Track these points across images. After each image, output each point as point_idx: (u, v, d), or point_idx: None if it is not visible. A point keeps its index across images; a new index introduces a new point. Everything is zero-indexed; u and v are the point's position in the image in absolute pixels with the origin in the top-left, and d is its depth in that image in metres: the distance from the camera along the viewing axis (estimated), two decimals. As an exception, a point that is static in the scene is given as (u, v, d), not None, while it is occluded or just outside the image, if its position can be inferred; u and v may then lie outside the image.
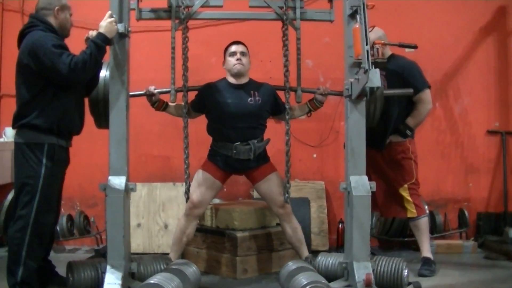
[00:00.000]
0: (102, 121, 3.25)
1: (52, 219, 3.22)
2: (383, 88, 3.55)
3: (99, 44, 2.96)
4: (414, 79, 3.76)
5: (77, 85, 3.18)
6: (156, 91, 3.49)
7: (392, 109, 3.79)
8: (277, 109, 3.67)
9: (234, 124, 3.53)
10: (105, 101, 3.15)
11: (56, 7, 3.15)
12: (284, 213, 3.58)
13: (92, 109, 3.29)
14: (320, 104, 3.61)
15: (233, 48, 3.64)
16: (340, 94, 3.47)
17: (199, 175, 3.60)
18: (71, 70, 2.90)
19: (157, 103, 3.55)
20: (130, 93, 3.21)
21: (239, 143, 3.52)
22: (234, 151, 3.52)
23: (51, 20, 3.14)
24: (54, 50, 2.94)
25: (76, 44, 3.13)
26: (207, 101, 3.63)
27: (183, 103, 3.52)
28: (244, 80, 3.64)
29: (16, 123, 3.10)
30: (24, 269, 2.99)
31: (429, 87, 3.85)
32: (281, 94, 3.61)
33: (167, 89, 3.51)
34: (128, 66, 3.12)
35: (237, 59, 3.59)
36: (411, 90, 3.65)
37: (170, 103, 3.61)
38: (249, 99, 3.56)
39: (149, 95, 3.50)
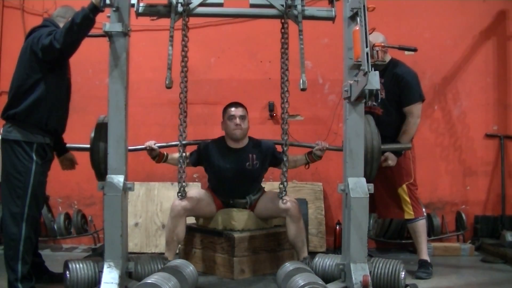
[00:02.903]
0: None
1: (40, 213, 3.39)
2: (381, 97, 3.59)
3: (84, 11, 2.92)
4: (410, 88, 3.75)
5: (65, 77, 3.27)
6: (155, 145, 3.60)
7: (395, 117, 3.81)
8: (277, 163, 3.81)
9: (232, 185, 3.73)
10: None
11: (70, 17, 3.23)
12: (292, 214, 3.59)
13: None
14: (318, 158, 3.74)
15: (232, 111, 3.73)
16: (339, 149, 3.51)
17: (202, 189, 3.71)
18: (53, 38, 2.96)
19: (157, 157, 3.68)
20: (130, 148, 3.28)
21: (236, 198, 3.76)
22: (231, 202, 3.76)
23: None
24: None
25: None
26: (205, 162, 3.79)
27: (181, 154, 3.51)
28: (242, 143, 3.76)
29: (5, 113, 3.16)
30: (22, 263, 3.05)
31: (422, 100, 3.86)
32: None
33: (167, 143, 3.68)
34: (128, 66, 3.11)
35: (236, 124, 3.68)
36: (409, 145, 3.72)
37: (170, 155, 3.72)
38: (247, 163, 3.71)
39: (149, 150, 3.61)
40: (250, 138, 3.82)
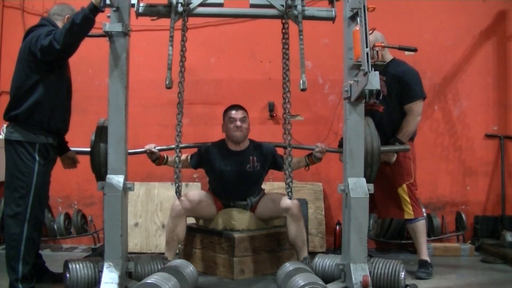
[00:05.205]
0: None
1: (44, 214, 3.39)
2: (383, 94, 3.59)
3: (84, 11, 2.91)
4: (411, 86, 3.76)
5: (65, 77, 3.27)
6: (155, 148, 3.59)
7: (397, 115, 3.81)
8: (277, 167, 3.85)
9: (232, 188, 3.72)
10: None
11: (67, 15, 3.30)
12: (292, 214, 3.60)
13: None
14: (318, 160, 3.73)
15: (233, 114, 3.72)
16: (339, 151, 3.51)
17: (203, 191, 3.72)
18: (53, 38, 2.96)
19: (158, 160, 3.67)
20: (130, 151, 3.27)
21: (237, 200, 3.76)
22: (232, 204, 3.77)
23: (60, 24, 3.28)
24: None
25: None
26: (206, 164, 3.79)
27: (177, 154, 3.49)
28: (243, 146, 3.76)
29: (7, 114, 3.16)
30: (23, 264, 3.06)
31: (423, 98, 3.85)
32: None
33: (167, 147, 3.66)
34: (128, 66, 3.12)
35: (237, 127, 3.68)
36: (407, 147, 3.71)
37: (170, 157, 3.70)
38: (248, 166, 3.72)
39: (149, 153, 3.60)
40: (250, 140, 3.82)
